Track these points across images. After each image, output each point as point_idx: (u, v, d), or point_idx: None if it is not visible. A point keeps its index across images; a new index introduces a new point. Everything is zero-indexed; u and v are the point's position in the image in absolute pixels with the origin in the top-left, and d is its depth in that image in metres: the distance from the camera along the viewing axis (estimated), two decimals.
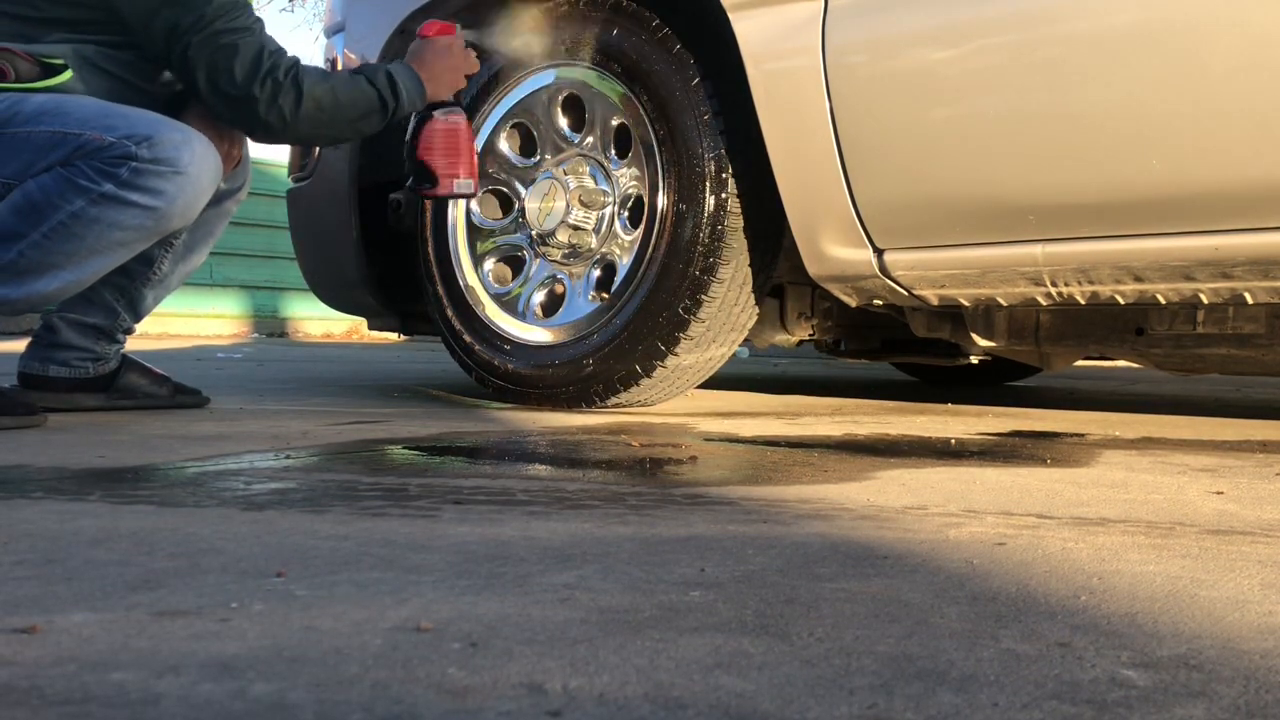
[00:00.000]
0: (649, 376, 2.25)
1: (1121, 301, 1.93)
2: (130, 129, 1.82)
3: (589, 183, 2.38)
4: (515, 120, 2.49)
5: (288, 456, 1.55)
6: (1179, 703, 0.59)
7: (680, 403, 2.57)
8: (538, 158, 2.46)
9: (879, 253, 2.01)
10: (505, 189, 2.52)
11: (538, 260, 2.45)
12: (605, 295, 2.35)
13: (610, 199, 2.36)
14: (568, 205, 2.36)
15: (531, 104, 2.46)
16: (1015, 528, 1.08)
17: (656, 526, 1.06)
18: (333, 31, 2.77)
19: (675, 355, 2.22)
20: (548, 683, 0.60)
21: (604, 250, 2.37)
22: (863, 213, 1.98)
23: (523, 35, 2.38)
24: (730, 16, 2.06)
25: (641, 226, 2.29)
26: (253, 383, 3.25)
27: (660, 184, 2.24)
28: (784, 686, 0.60)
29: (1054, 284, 1.91)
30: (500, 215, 2.54)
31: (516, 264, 2.51)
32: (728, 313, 2.22)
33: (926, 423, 2.24)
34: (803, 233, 2.07)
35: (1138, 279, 1.84)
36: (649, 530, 1.03)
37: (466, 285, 2.51)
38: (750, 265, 2.20)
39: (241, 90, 1.91)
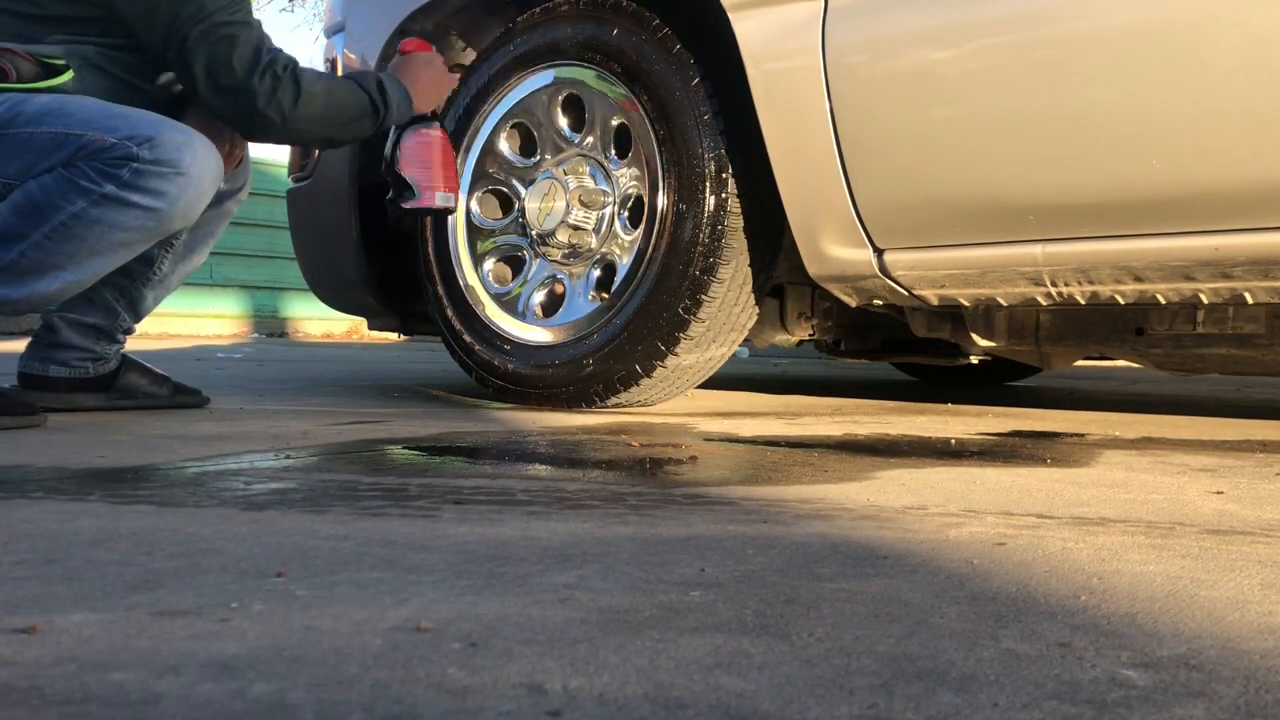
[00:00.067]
0: (649, 376, 2.25)
1: (1121, 301, 1.93)
2: (132, 130, 1.82)
3: (589, 183, 2.38)
4: (515, 120, 2.49)
5: (288, 456, 1.55)
6: (1179, 703, 0.59)
7: (680, 403, 2.57)
8: (538, 158, 2.46)
9: (879, 253, 2.02)
10: (505, 189, 2.52)
11: (538, 260, 2.45)
12: (605, 295, 2.35)
13: (610, 199, 2.36)
14: (568, 205, 2.36)
15: (531, 104, 2.46)
16: (1015, 528, 1.08)
17: (656, 526, 1.06)
18: (333, 31, 2.77)
19: (675, 355, 2.22)
20: (548, 683, 0.60)
21: (604, 250, 2.37)
22: (863, 213, 1.98)
23: None
24: (730, 16, 2.06)
25: (641, 226, 2.29)
26: (253, 383, 3.25)
27: (660, 184, 2.24)
28: (784, 686, 0.60)
29: (1054, 284, 1.91)
30: (500, 215, 2.54)
31: (516, 264, 2.51)
32: (728, 313, 2.22)
33: (926, 423, 2.24)
34: (803, 233, 2.07)
35: (1138, 279, 1.84)
36: (649, 530, 1.03)
37: (466, 285, 2.51)
38: (750, 265, 2.20)
39: (240, 83, 1.91)
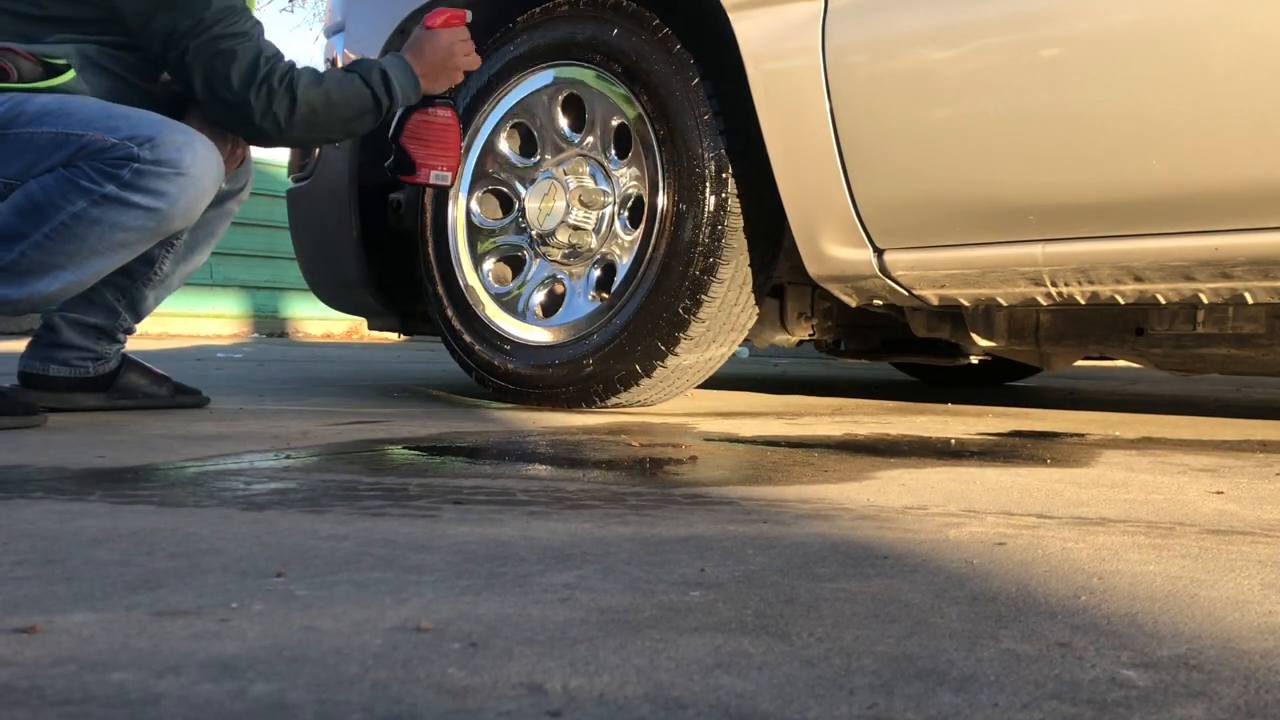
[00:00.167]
0: (649, 376, 2.25)
1: (1121, 301, 1.93)
2: (133, 130, 1.82)
3: (589, 183, 2.38)
4: (515, 120, 2.49)
5: (288, 456, 1.55)
6: (1179, 703, 0.59)
7: (680, 403, 2.57)
8: (538, 158, 2.46)
9: (879, 253, 2.02)
10: (505, 189, 2.52)
11: (538, 260, 2.45)
12: (605, 295, 2.35)
13: (610, 199, 2.36)
14: (568, 205, 2.36)
15: (531, 104, 2.46)
16: (1015, 528, 1.08)
17: (656, 526, 1.06)
18: (333, 31, 2.77)
19: (675, 355, 2.22)
20: (548, 683, 0.60)
21: (604, 250, 2.37)
22: (863, 213, 1.98)
23: None
24: (730, 16, 2.06)
25: (641, 226, 2.29)
26: (253, 383, 3.25)
27: (660, 184, 2.24)
28: (784, 686, 0.61)
29: (1054, 284, 1.91)
30: (500, 215, 2.54)
31: (516, 264, 2.51)
32: (728, 313, 2.22)
33: (926, 423, 2.24)
34: (803, 233, 2.07)
35: (1138, 279, 1.84)
36: (649, 530, 1.03)
37: (466, 285, 2.51)
38: (750, 265, 2.20)
39: (237, 96, 1.92)
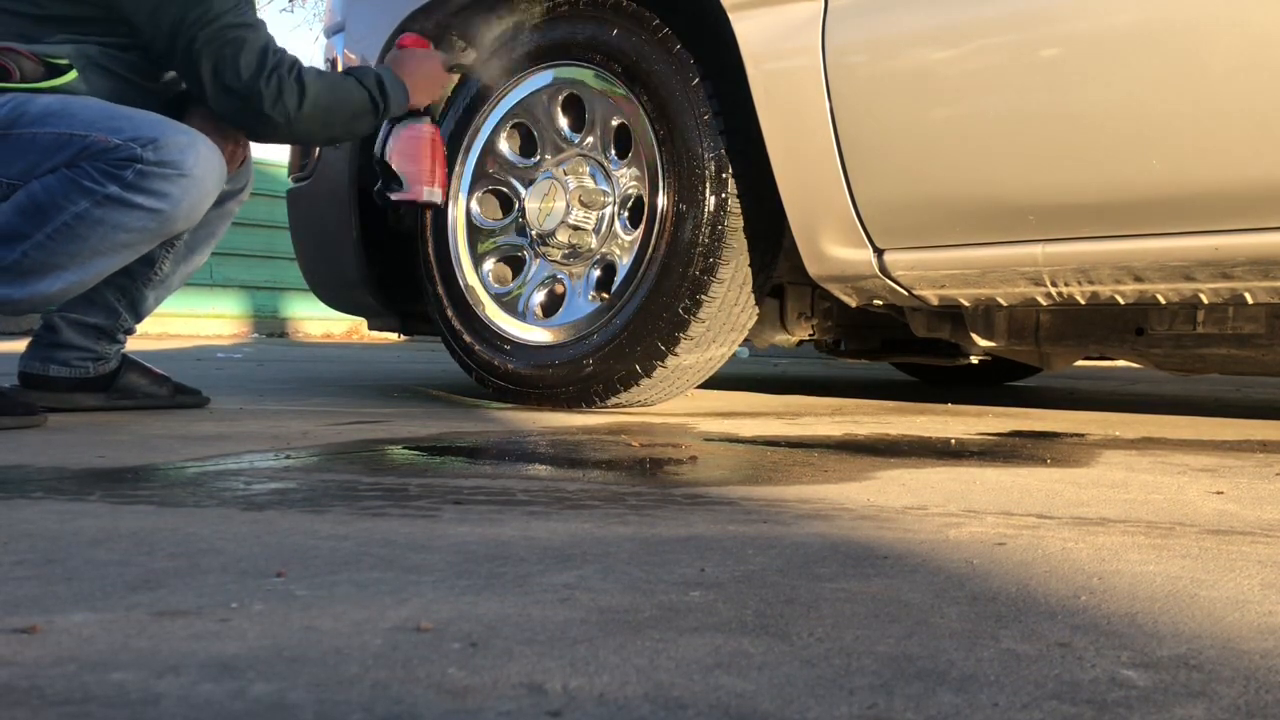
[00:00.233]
0: (649, 376, 2.25)
1: (1121, 301, 1.93)
2: (136, 131, 1.82)
3: (589, 183, 2.38)
4: (515, 120, 2.49)
5: (288, 456, 1.55)
6: (1179, 703, 0.59)
7: (680, 403, 2.57)
8: (538, 158, 2.46)
9: (879, 253, 2.02)
10: (505, 189, 2.52)
11: (538, 260, 2.45)
12: (605, 295, 2.35)
13: (610, 199, 2.36)
14: (568, 205, 2.36)
15: (531, 104, 2.46)
16: (1015, 528, 1.08)
17: (656, 526, 1.06)
18: (333, 31, 2.77)
19: (675, 355, 2.22)
20: (548, 683, 0.60)
21: (604, 250, 2.37)
22: (863, 213, 1.98)
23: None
24: (730, 16, 2.06)
25: (641, 226, 2.29)
26: (253, 383, 3.25)
27: (660, 184, 2.24)
28: (784, 686, 0.60)
29: (1054, 284, 1.91)
30: (500, 215, 2.54)
31: (516, 264, 2.51)
32: (728, 313, 2.22)
33: (926, 423, 2.24)
34: (803, 233, 2.07)
35: (1138, 279, 1.84)
36: (649, 530, 1.03)
37: (466, 285, 2.51)
38: (750, 265, 2.20)
39: (247, 85, 1.92)
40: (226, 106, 1.97)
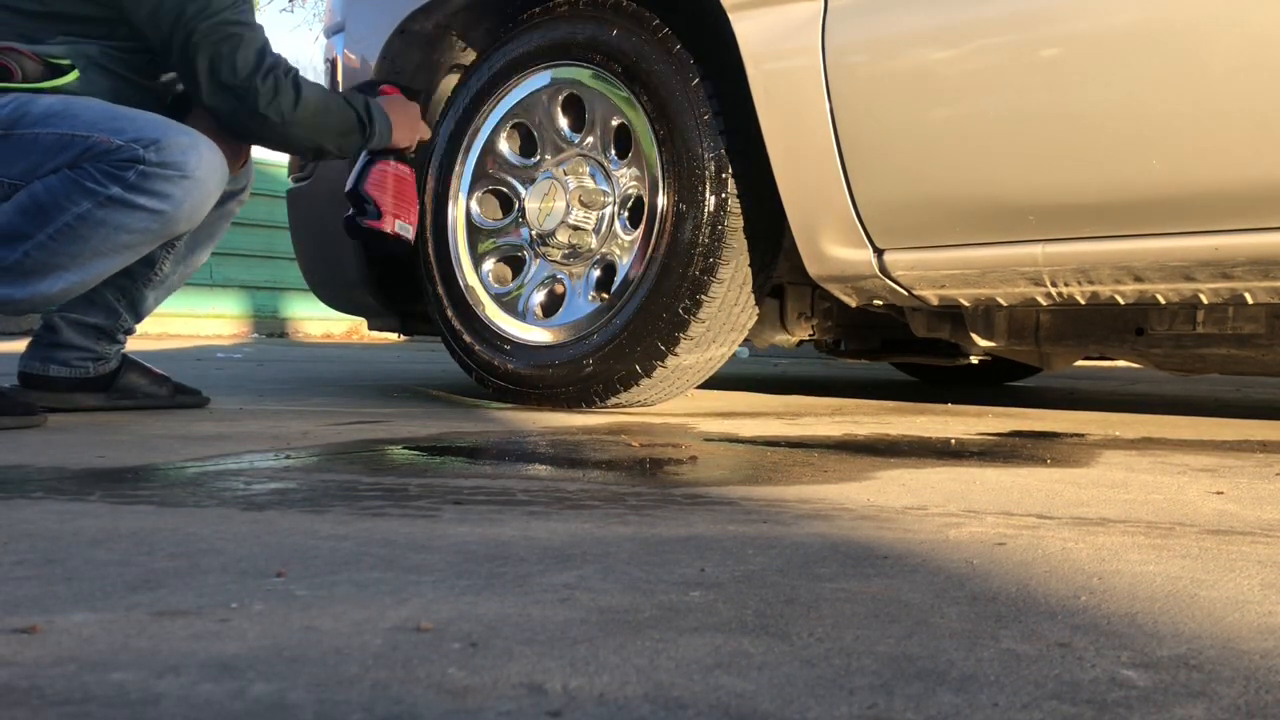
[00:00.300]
0: (649, 376, 2.25)
1: (1121, 301, 1.93)
2: (138, 132, 1.82)
3: (589, 183, 2.38)
4: (515, 120, 2.49)
5: (288, 456, 1.55)
6: (1179, 703, 0.59)
7: (680, 403, 2.57)
8: (538, 158, 2.46)
9: (879, 253, 2.02)
10: (505, 189, 2.52)
11: (538, 260, 2.45)
12: (605, 295, 2.35)
13: (610, 199, 2.36)
14: (568, 205, 2.36)
15: (531, 104, 2.46)
16: (1015, 528, 1.08)
17: (656, 526, 1.06)
18: (333, 31, 2.77)
19: (675, 355, 2.22)
20: (548, 683, 0.60)
21: (604, 250, 2.37)
22: (863, 213, 1.98)
23: None
24: (730, 16, 2.06)
25: (641, 226, 2.29)
26: (253, 383, 3.25)
27: (660, 184, 2.24)
28: (784, 686, 0.61)
29: (1054, 284, 1.91)
30: (500, 215, 2.54)
31: (516, 264, 2.51)
32: (728, 313, 2.22)
33: (926, 423, 2.24)
34: (803, 233, 2.07)
35: (1138, 279, 1.84)
36: (649, 530, 1.03)
37: (466, 285, 2.51)
38: (750, 265, 2.20)
39: (243, 82, 1.92)
40: (221, 103, 1.96)
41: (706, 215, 2.16)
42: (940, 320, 2.34)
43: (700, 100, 2.17)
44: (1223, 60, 1.63)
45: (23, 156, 1.83)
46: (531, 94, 2.45)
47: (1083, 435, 2.05)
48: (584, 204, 2.37)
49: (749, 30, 2.04)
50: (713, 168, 2.16)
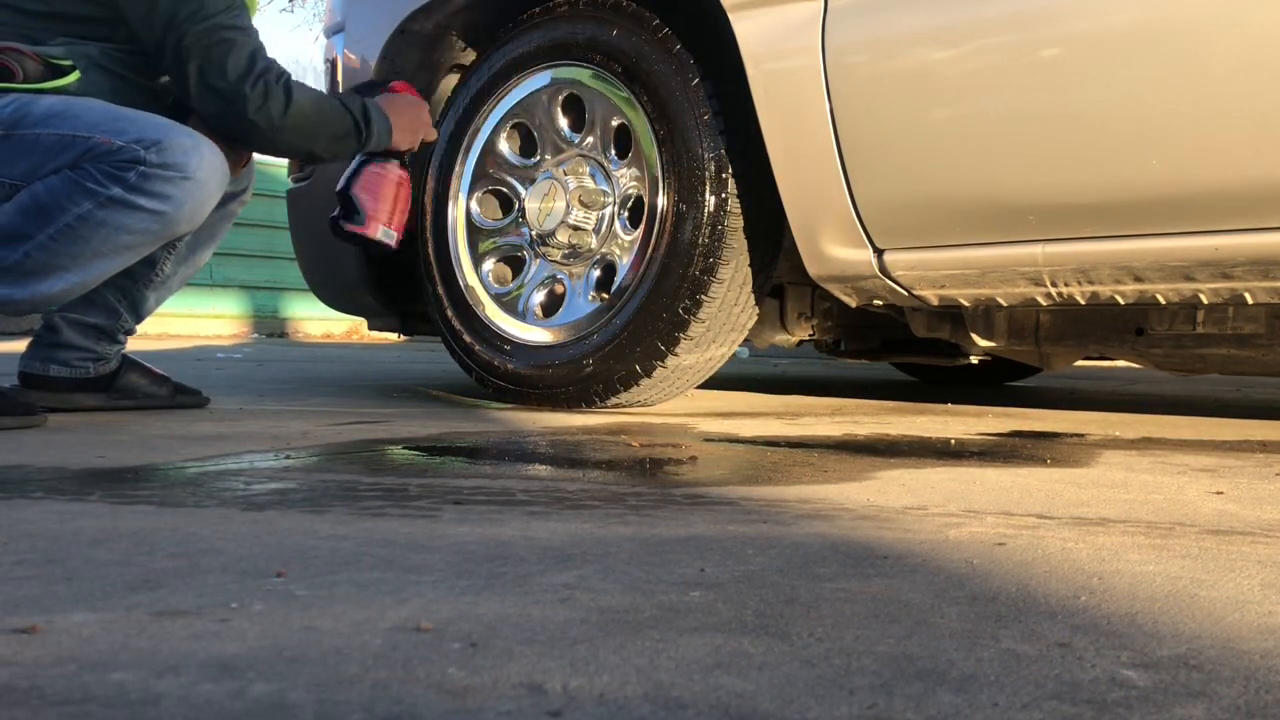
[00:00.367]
0: (649, 376, 2.25)
1: (1121, 301, 1.93)
2: (139, 133, 1.82)
3: (589, 183, 2.38)
4: (515, 120, 2.49)
5: (288, 456, 1.55)
6: (1179, 703, 0.59)
7: (680, 403, 2.57)
8: (538, 158, 2.46)
9: (879, 253, 2.02)
10: (505, 189, 2.52)
11: (538, 260, 2.45)
12: (605, 295, 2.35)
13: (610, 199, 2.36)
14: (568, 205, 2.36)
15: (531, 104, 2.46)
16: (1015, 528, 1.08)
17: (656, 526, 1.06)
18: (333, 32, 2.77)
19: (675, 355, 2.22)
20: (548, 683, 0.60)
21: (604, 250, 2.37)
22: (863, 213, 1.98)
23: None
24: (730, 16, 2.06)
25: (641, 226, 2.29)
26: (253, 383, 3.25)
27: (660, 184, 2.24)
28: (784, 686, 0.61)
29: (1054, 284, 1.91)
30: (500, 215, 2.54)
31: (516, 264, 2.51)
32: (728, 313, 2.22)
33: (926, 423, 2.24)
34: (803, 233, 2.07)
35: (1138, 279, 1.84)
36: (649, 530, 1.03)
37: (466, 285, 2.51)
38: (750, 265, 2.20)
39: (232, 86, 1.91)
40: (210, 106, 1.96)
41: (706, 215, 2.16)
42: (940, 320, 2.34)
43: (700, 100, 2.17)
44: (1223, 60, 1.63)
45: (24, 157, 1.83)
46: (531, 94, 2.45)
47: (1083, 435, 2.05)
48: (584, 204, 2.37)
49: (749, 30, 2.04)
50: (713, 168, 2.16)
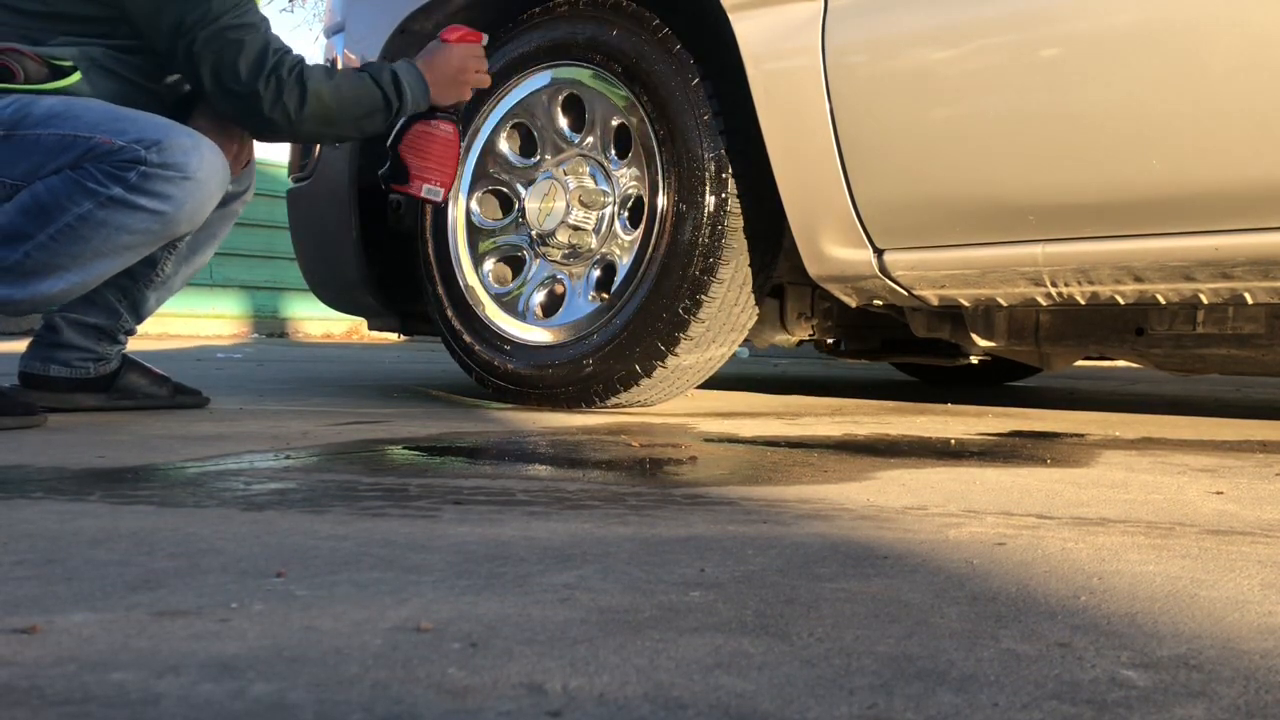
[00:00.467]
0: (649, 376, 2.25)
1: (1121, 301, 1.93)
2: (140, 133, 1.82)
3: (589, 183, 2.38)
4: (515, 120, 2.49)
5: (288, 456, 1.55)
6: (1179, 703, 0.59)
7: (680, 403, 2.57)
8: (538, 158, 2.46)
9: (879, 253, 2.01)
10: (505, 189, 2.52)
11: (538, 260, 2.45)
12: (605, 295, 2.35)
13: (610, 199, 2.36)
14: (568, 205, 2.36)
15: (531, 104, 2.46)
16: (1015, 528, 1.08)
17: (656, 526, 1.06)
18: (333, 31, 2.77)
19: (675, 355, 2.22)
20: (548, 683, 0.60)
21: (604, 250, 2.37)
22: (863, 213, 1.98)
23: None
24: (730, 16, 2.06)
25: (641, 227, 2.29)
26: (253, 383, 3.25)
27: (660, 184, 2.24)
28: (784, 686, 0.61)
29: (1054, 284, 1.91)
30: (500, 215, 2.54)
31: (516, 264, 2.51)
32: (728, 313, 2.22)
33: (926, 423, 2.24)
34: (803, 233, 2.07)
35: (1138, 279, 1.84)
36: (649, 530, 1.03)
37: (466, 285, 2.51)
38: (750, 265, 2.20)
39: (246, 87, 1.92)
40: (229, 108, 1.98)
41: (706, 215, 2.16)
42: (940, 320, 2.34)
43: (700, 100, 2.17)
44: (1223, 60, 1.63)
45: (24, 157, 1.83)
46: (531, 94, 2.45)
47: (1083, 435, 2.05)
48: (584, 204, 2.37)
49: (749, 30, 2.04)
50: (713, 168, 2.16)
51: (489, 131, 2.50)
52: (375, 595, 0.78)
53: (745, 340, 2.41)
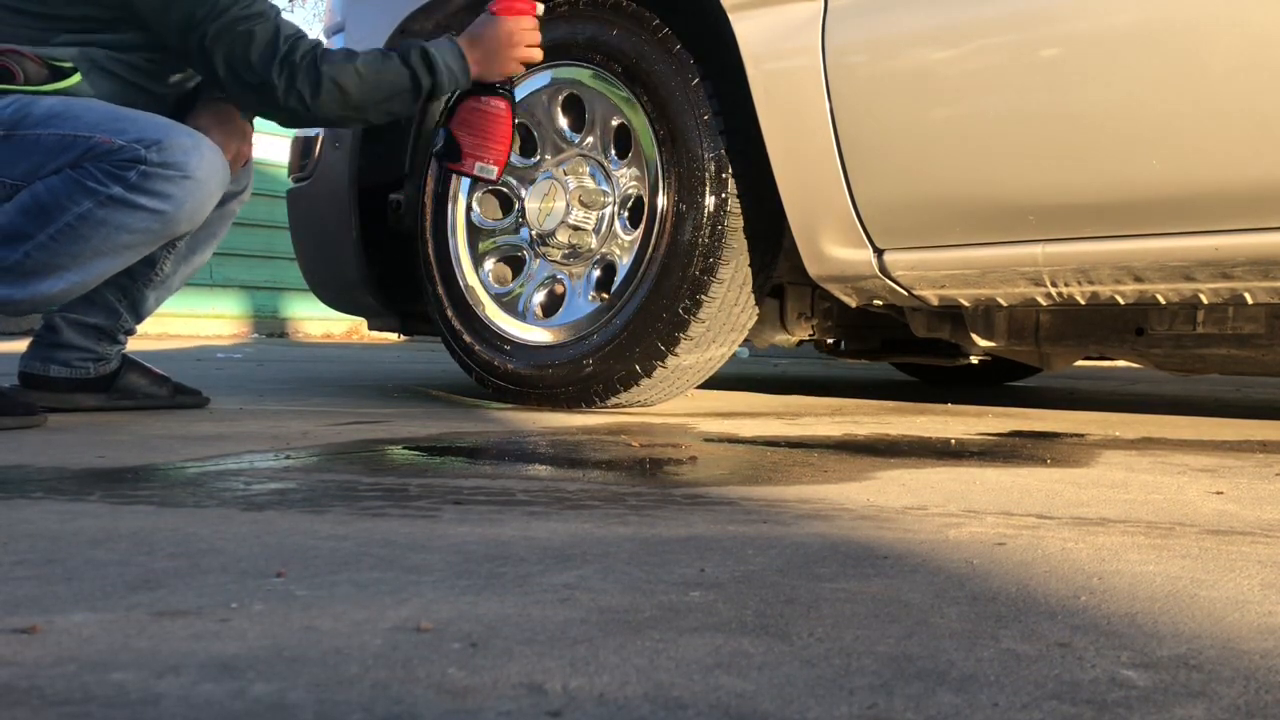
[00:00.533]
0: (649, 377, 2.25)
1: (1121, 301, 1.93)
2: (140, 133, 1.82)
3: (589, 183, 2.38)
4: (515, 120, 2.49)
5: (288, 456, 1.55)
6: (1179, 703, 0.59)
7: (680, 403, 2.57)
8: (538, 158, 2.46)
9: (879, 253, 2.01)
10: (505, 189, 2.52)
11: (538, 260, 2.45)
12: (605, 295, 2.35)
13: (610, 199, 2.36)
14: (568, 205, 2.36)
15: (531, 104, 2.45)
16: (1015, 528, 1.08)
17: (656, 526, 1.06)
18: (333, 32, 2.77)
19: (675, 355, 2.22)
20: (548, 683, 0.60)
21: (604, 250, 2.37)
22: (863, 213, 1.98)
23: None
24: (730, 17, 2.06)
25: (641, 227, 2.29)
26: (253, 383, 3.25)
27: (660, 184, 2.24)
28: (784, 686, 0.61)
29: (1054, 284, 1.91)
30: (500, 215, 2.54)
31: (516, 264, 2.51)
32: (728, 313, 2.22)
33: (926, 423, 2.24)
34: (803, 233, 2.07)
35: (1138, 279, 1.84)
36: (649, 530, 1.03)
37: (466, 285, 2.51)
38: (750, 265, 2.20)
39: (259, 77, 1.92)
40: (245, 101, 2.01)
41: (706, 215, 2.16)
42: (940, 320, 2.34)
43: (700, 100, 2.17)
44: (1223, 60, 1.63)
45: (24, 157, 1.83)
46: (531, 94, 2.45)
47: (1083, 435, 2.05)
48: (584, 204, 2.37)
49: (749, 30, 2.04)
50: (713, 168, 2.16)
51: None
52: (375, 595, 0.78)
53: (745, 340, 2.41)
